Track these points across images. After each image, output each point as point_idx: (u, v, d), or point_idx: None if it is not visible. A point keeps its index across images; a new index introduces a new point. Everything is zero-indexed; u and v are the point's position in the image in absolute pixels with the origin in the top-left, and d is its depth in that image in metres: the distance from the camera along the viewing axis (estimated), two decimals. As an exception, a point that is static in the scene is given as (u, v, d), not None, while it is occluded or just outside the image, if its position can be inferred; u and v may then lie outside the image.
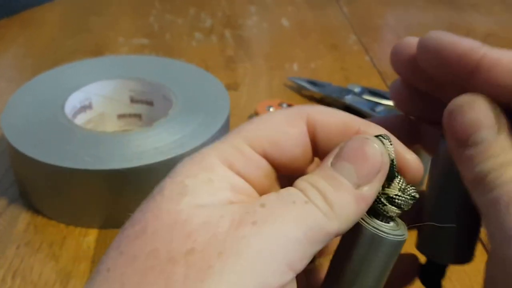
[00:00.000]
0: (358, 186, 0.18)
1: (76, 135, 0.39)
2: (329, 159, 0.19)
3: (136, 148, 0.38)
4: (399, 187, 0.19)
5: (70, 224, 0.39)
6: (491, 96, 0.20)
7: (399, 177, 0.19)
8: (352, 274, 0.19)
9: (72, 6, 0.79)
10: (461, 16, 0.79)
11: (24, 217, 0.40)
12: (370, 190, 0.18)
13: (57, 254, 0.36)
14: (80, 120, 0.45)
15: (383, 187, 0.19)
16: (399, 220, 0.20)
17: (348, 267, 0.19)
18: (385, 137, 0.19)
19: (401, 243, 0.19)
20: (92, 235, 0.38)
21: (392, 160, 0.19)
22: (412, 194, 0.19)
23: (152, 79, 0.46)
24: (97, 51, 0.65)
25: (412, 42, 0.22)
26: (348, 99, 0.52)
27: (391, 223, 0.19)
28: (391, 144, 0.19)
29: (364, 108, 0.50)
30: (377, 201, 0.19)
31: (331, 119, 0.21)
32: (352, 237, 0.19)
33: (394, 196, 0.19)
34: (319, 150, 0.21)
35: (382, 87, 0.58)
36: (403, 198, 0.19)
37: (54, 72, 0.48)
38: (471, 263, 0.35)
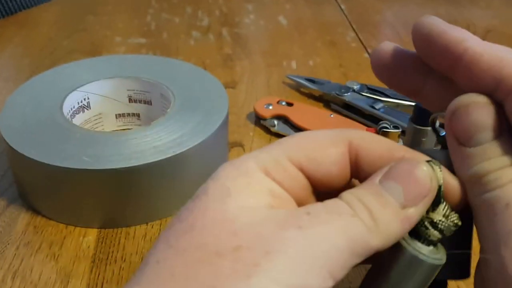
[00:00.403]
0: (404, 207, 0.19)
1: (74, 135, 0.39)
2: (378, 177, 0.20)
3: (135, 148, 0.38)
4: (443, 213, 0.19)
5: (69, 224, 0.39)
6: (471, 91, 0.20)
7: (444, 203, 0.20)
8: None
9: (68, 5, 0.79)
10: (460, 11, 0.79)
11: (23, 218, 0.39)
12: (415, 213, 0.19)
13: (56, 254, 0.36)
14: (78, 120, 0.45)
15: (428, 211, 0.19)
16: (439, 245, 0.20)
17: (384, 285, 0.20)
18: (435, 163, 0.20)
19: (438, 267, 0.19)
20: (91, 235, 0.38)
21: (440, 186, 0.19)
22: (455, 222, 0.20)
23: (150, 78, 0.46)
24: (94, 51, 0.65)
25: (387, 48, 0.23)
26: (347, 96, 0.52)
27: (431, 247, 0.20)
28: (440, 171, 0.20)
29: (364, 105, 0.50)
30: (420, 223, 0.19)
31: (376, 146, 0.21)
32: (391, 256, 0.19)
33: (438, 221, 0.19)
34: (360, 173, 0.21)
35: (381, 84, 0.57)
36: (446, 224, 0.19)
37: (51, 72, 0.47)
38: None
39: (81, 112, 0.46)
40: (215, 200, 0.19)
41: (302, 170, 0.20)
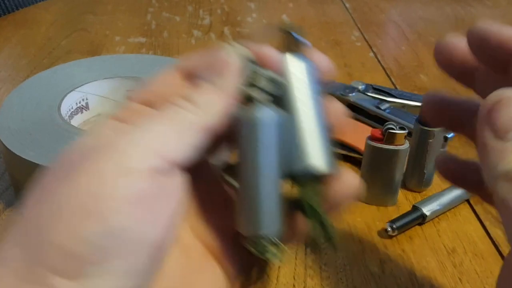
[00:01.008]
0: (218, 84, 0.21)
1: (73, 137, 0.38)
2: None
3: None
4: (258, 75, 0.22)
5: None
6: None
7: (257, 68, 0.22)
8: (248, 169, 0.21)
9: (67, 4, 0.78)
10: (467, 9, 0.78)
11: (20, 222, 0.38)
12: (228, 84, 0.21)
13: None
14: (77, 121, 0.44)
15: (248, 81, 0.22)
16: (270, 108, 0.22)
17: (242, 161, 0.22)
18: (236, 44, 0.22)
19: (271, 123, 0.21)
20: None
21: (248, 58, 0.22)
22: (272, 76, 0.22)
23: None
24: (94, 51, 0.64)
25: (452, 42, 0.25)
26: (352, 96, 0.51)
27: (264, 107, 0.22)
28: (242, 46, 0.22)
29: (369, 106, 0.49)
30: (243, 91, 0.22)
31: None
32: (237, 131, 0.22)
33: (254, 83, 0.22)
34: None
35: (387, 84, 0.57)
36: (263, 81, 0.22)
37: (49, 72, 0.47)
38: (484, 265, 0.34)
39: (80, 113, 0.45)
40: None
41: None
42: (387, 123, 0.38)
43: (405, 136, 0.38)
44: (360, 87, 0.52)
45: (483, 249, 0.36)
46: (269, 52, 0.22)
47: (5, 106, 0.41)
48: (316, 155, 0.22)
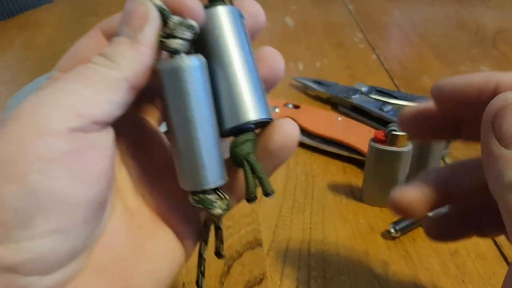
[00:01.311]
0: (133, 37, 0.21)
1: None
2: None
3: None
4: (173, 24, 0.21)
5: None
6: None
7: (172, 17, 0.21)
8: (179, 121, 0.21)
9: (70, 7, 0.79)
10: (470, 11, 0.78)
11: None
12: (143, 35, 0.21)
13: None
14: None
15: (169, 32, 0.21)
16: (197, 56, 0.22)
17: (167, 111, 0.21)
18: None
19: (185, 67, 0.21)
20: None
21: (160, 7, 0.21)
22: (188, 23, 0.21)
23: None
24: (98, 52, 0.64)
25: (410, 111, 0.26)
26: (355, 98, 0.51)
27: (183, 55, 0.21)
28: None
29: (372, 108, 0.49)
30: (161, 42, 0.21)
31: None
32: (161, 88, 0.21)
33: (170, 32, 0.21)
34: None
35: (389, 86, 0.57)
36: (179, 29, 0.21)
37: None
38: (487, 266, 0.34)
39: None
40: None
41: None
42: (390, 124, 0.38)
43: (408, 138, 0.38)
44: (363, 89, 0.52)
45: (486, 250, 0.36)
46: (190, 2, 0.22)
47: (9, 109, 0.42)
48: (248, 106, 0.22)
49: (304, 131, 0.47)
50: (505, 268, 0.34)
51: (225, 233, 0.36)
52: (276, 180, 0.42)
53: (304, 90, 0.56)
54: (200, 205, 0.22)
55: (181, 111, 0.21)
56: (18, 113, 0.19)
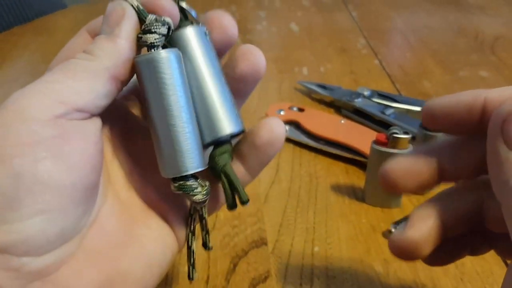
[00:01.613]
0: (110, 32, 0.22)
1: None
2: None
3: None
4: (150, 20, 0.22)
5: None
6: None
7: (150, 15, 0.22)
8: (156, 109, 0.22)
9: (84, 12, 0.80)
10: (469, 18, 0.78)
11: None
12: (120, 30, 0.22)
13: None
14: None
15: (146, 28, 0.22)
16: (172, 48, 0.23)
17: (147, 103, 0.22)
18: None
19: (160, 59, 0.22)
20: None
21: (137, 7, 0.22)
22: (162, 19, 0.22)
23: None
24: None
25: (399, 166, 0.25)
26: (358, 102, 0.52)
27: (159, 49, 0.22)
28: None
29: (374, 111, 0.50)
30: (139, 38, 0.22)
31: None
32: (140, 80, 0.22)
33: (147, 28, 0.22)
34: None
35: (391, 90, 0.58)
36: (155, 25, 0.22)
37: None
38: (485, 265, 0.34)
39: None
40: None
41: None
42: (391, 127, 0.38)
43: (409, 141, 0.38)
44: (366, 93, 0.53)
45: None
46: (164, 1, 0.23)
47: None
48: (222, 122, 0.23)
49: (308, 134, 0.48)
50: (503, 268, 0.34)
51: (231, 232, 0.37)
52: (281, 181, 0.43)
53: (309, 93, 0.57)
54: (181, 191, 0.23)
55: (158, 100, 0.22)
56: (4, 104, 0.20)
